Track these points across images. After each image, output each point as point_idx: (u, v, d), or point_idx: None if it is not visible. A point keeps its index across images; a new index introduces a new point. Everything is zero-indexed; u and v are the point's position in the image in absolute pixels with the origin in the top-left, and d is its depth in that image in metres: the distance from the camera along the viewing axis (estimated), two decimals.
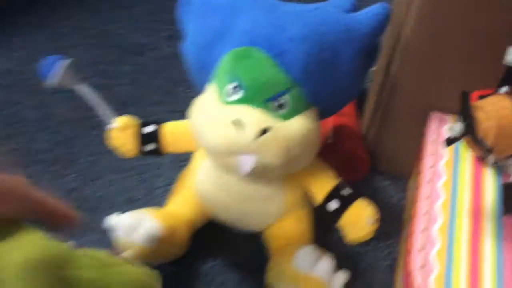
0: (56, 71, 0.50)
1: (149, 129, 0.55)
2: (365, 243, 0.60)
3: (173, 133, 0.56)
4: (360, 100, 0.69)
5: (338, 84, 0.47)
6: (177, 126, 0.56)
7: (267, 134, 0.43)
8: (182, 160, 0.67)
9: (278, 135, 0.43)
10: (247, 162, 0.44)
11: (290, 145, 0.44)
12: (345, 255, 0.56)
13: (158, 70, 0.78)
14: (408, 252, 0.45)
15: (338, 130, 0.62)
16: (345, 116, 0.64)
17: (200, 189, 0.55)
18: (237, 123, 0.42)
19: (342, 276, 0.50)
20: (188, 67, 0.51)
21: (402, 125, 0.61)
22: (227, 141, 0.43)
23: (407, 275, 0.44)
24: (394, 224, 0.61)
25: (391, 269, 0.57)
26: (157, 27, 0.86)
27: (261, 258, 0.56)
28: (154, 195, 0.63)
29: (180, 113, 0.52)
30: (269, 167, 0.45)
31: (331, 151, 0.58)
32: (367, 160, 0.63)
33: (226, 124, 0.43)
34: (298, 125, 0.44)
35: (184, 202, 0.57)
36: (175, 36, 0.85)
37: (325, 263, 0.50)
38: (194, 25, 0.49)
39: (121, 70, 0.77)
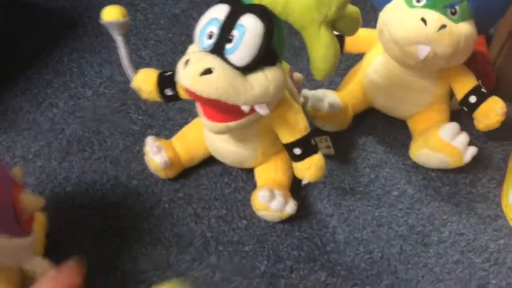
0: None
1: None
2: (484, 141, 0.77)
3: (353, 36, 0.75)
4: (488, 37, 0.85)
5: (493, 4, 0.64)
6: None
7: (444, 29, 0.61)
8: (339, 69, 0.86)
9: (451, 31, 0.61)
10: (425, 50, 0.62)
11: (459, 39, 0.61)
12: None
13: None
14: None
15: (473, 54, 0.78)
16: (479, 45, 0.81)
17: (369, 79, 0.74)
18: (424, 20, 0.61)
19: (473, 150, 0.69)
20: None
21: None
22: (415, 32, 0.61)
23: None
24: (508, 132, 0.77)
25: (504, 160, 0.74)
26: None
27: (400, 140, 0.75)
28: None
29: None
30: (438, 57, 0.63)
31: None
32: (494, 78, 0.79)
33: (416, 20, 0.61)
34: (465, 27, 0.62)
35: (352, 90, 0.76)
36: None
37: (463, 137, 0.68)
38: None
39: None
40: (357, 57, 0.80)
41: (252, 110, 0.54)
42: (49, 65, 0.84)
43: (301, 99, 0.72)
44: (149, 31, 0.92)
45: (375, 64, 0.73)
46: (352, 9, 0.53)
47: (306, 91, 0.74)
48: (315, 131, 0.75)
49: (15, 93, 0.78)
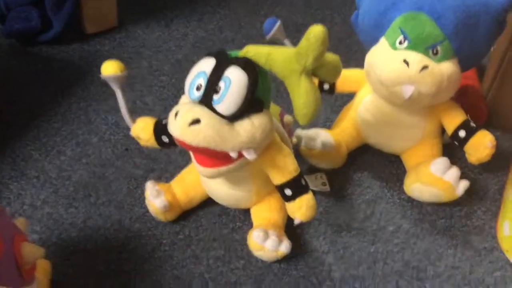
0: (275, 28, 0.74)
1: None
2: (479, 173, 0.78)
3: (343, 76, 0.77)
4: (480, 70, 0.87)
5: (475, 42, 0.66)
6: (345, 73, 0.78)
7: (426, 70, 0.63)
8: (335, 106, 0.89)
9: (433, 71, 0.63)
10: (409, 90, 0.65)
11: (441, 79, 0.64)
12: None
13: None
14: None
15: (464, 88, 0.80)
16: (470, 79, 0.83)
17: (360, 118, 0.76)
18: (406, 61, 0.63)
19: (465, 183, 0.70)
20: (361, 28, 0.73)
21: None
22: (398, 73, 0.64)
23: None
24: (502, 162, 0.78)
25: (499, 191, 0.75)
26: (311, 12, 1.09)
27: (395, 175, 0.77)
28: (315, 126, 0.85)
29: None
30: (423, 95, 0.65)
31: (458, 103, 0.77)
32: (485, 112, 0.81)
33: (398, 62, 0.64)
34: (447, 67, 0.64)
35: (345, 128, 0.78)
36: (324, 19, 1.09)
37: (454, 171, 0.69)
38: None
39: None
40: (352, 94, 0.83)
41: (241, 155, 0.57)
42: (58, 113, 0.88)
43: (294, 139, 0.75)
44: (153, 77, 0.96)
45: (365, 103, 0.75)
46: (331, 57, 0.56)
47: (299, 131, 0.76)
48: (310, 169, 0.78)
49: (25, 142, 0.83)
